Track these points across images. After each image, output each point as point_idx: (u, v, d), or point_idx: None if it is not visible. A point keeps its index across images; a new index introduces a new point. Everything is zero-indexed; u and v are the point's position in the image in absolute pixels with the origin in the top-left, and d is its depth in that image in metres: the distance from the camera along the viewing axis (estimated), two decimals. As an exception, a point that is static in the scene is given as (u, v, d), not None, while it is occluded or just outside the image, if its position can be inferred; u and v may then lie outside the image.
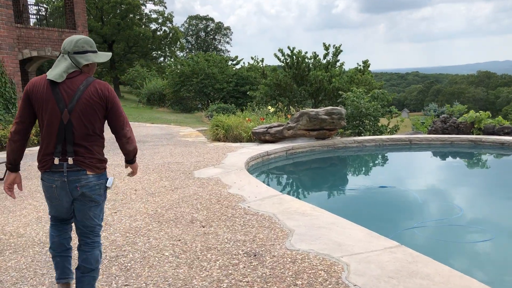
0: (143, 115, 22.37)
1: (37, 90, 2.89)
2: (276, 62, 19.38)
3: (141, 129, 16.01)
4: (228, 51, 63.14)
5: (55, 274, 3.32)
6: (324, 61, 18.69)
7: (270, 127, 10.35)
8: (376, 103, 11.82)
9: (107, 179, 3.12)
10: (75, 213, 3.08)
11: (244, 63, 29.21)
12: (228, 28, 64.48)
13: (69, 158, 2.90)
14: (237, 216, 5.26)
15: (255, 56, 19.94)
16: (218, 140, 12.03)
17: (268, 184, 6.68)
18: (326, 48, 19.16)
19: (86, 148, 2.94)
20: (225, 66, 27.11)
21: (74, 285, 3.20)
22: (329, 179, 8.79)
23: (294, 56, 18.43)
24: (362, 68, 18.81)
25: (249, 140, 11.17)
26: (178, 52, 49.50)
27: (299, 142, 10.16)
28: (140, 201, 6.08)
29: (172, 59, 30.14)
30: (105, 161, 3.09)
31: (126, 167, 3.52)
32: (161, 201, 6.05)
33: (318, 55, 18.99)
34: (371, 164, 10.24)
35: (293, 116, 10.32)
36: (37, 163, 3.06)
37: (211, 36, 64.21)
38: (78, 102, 2.85)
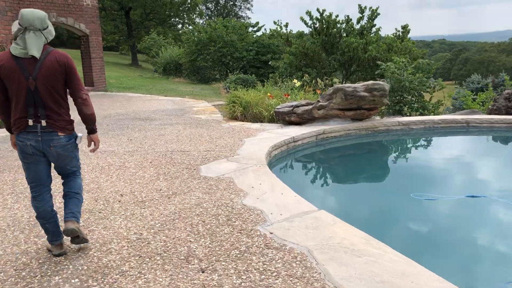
0: (156, 87, 20.67)
1: (5, 66, 3.20)
2: (302, 27, 17.25)
3: (151, 103, 14.34)
4: (249, 18, 60.58)
5: (46, 237, 3.63)
6: (358, 26, 16.39)
7: (297, 106, 8.57)
8: (421, 75, 9.85)
9: (77, 136, 3.51)
10: (54, 166, 3.55)
11: (265, 29, 27.11)
12: (249, -7, 61.68)
13: (42, 120, 3.25)
14: (253, 251, 3.54)
15: (278, 21, 17.71)
16: (235, 118, 10.28)
17: (297, 190, 4.88)
18: (362, 10, 16.71)
19: (55, 112, 3.30)
20: (245, 33, 25.01)
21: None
22: (378, 178, 6.65)
23: (323, 20, 16.06)
24: (401, 34, 16.49)
25: (271, 120, 9.39)
26: (197, 19, 47.31)
27: (332, 124, 8.38)
28: (123, 216, 4.42)
29: (189, 26, 28.10)
30: (72, 121, 3.45)
31: (88, 144, 3.70)
32: (151, 216, 4.37)
33: (351, 19, 16.58)
34: (431, 156, 7.72)
35: (325, 93, 8.45)
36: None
37: (231, 2, 61.57)
38: (41, 71, 3.21)
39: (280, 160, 6.95)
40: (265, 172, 5.52)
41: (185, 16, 44.91)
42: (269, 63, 16.54)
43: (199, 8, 47.10)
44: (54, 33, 3.37)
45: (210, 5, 61.24)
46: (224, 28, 24.56)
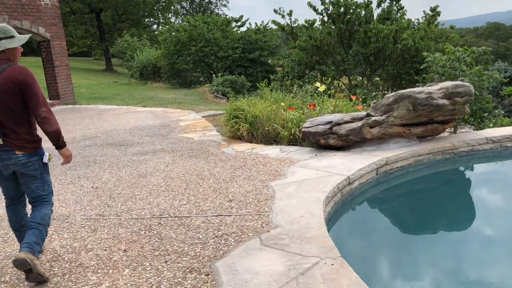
0: (133, 95, 17.75)
1: None
2: (305, 17, 14.34)
3: (128, 118, 11.51)
4: (226, 15, 57.63)
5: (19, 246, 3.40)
6: (379, 11, 13.60)
7: (338, 124, 5.82)
8: (480, 68, 7.24)
9: (43, 155, 3.27)
10: (21, 186, 3.38)
11: (250, 24, 24.34)
12: (224, -10, 58.72)
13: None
14: None
15: (279, 9, 14.47)
16: (240, 138, 7.59)
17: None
18: None
19: (12, 130, 3.08)
20: (228, 29, 22.20)
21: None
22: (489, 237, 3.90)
23: (340, 4, 12.55)
24: (430, 17, 13.51)
25: (291, 140, 6.71)
26: (172, 19, 44.22)
27: (392, 148, 5.72)
28: None
29: (166, 26, 25.11)
30: (36, 140, 3.20)
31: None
32: None
33: (371, 2, 13.12)
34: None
35: (380, 102, 5.70)
36: None
37: (207, 0, 58.50)
38: None
39: (335, 220, 4.20)
40: (347, 275, 2.80)
41: (160, 15, 41.83)
42: (269, 61, 13.66)
43: (174, 6, 44.02)
44: (4, 45, 3.07)
45: (185, 4, 58.10)
46: (205, 24, 21.71)
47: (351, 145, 5.79)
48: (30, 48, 40.36)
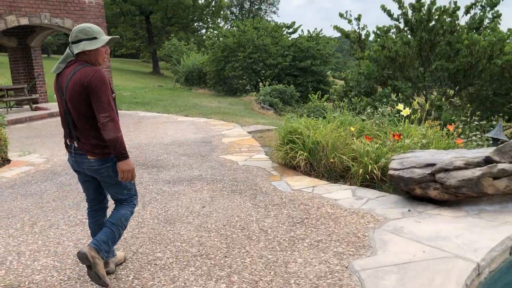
0: (177, 101, 16.54)
1: (54, 82, 3.05)
2: (375, 23, 12.51)
3: (167, 129, 10.21)
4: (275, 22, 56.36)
5: None
6: (466, 18, 11.28)
7: (445, 170, 4.04)
8: None
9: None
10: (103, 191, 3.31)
11: (302, 31, 22.80)
12: (274, -4, 57.40)
13: (74, 141, 3.01)
14: None
15: (346, 13, 12.55)
16: (294, 168, 6.05)
17: None
18: None
19: (84, 134, 2.97)
20: (279, 36, 20.71)
21: (111, 263, 3.24)
22: None
23: (423, 8, 10.45)
24: None
25: (366, 180, 5.06)
26: (221, 23, 43.27)
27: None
28: None
29: (214, 31, 23.93)
30: (106, 146, 2.96)
31: None
32: None
33: (458, 7, 10.60)
34: None
35: (509, 143, 4.00)
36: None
37: (257, 6, 57.38)
38: (67, 91, 2.91)
39: None
40: None
41: (209, 20, 40.92)
42: (328, 73, 11.93)
43: (223, 11, 43.07)
44: (82, 47, 2.90)
45: (234, 10, 57.24)
46: (254, 30, 20.33)
47: (460, 200, 4.12)
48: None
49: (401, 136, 5.01)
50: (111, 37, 3.06)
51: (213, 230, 4.04)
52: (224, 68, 19.92)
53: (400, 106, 5.66)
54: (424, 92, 10.30)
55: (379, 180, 4.94)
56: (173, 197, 5.16)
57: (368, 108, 6.25)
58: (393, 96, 9.73)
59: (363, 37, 12.25)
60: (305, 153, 5.80)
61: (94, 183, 3.20)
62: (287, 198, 4.80)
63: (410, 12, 11.07)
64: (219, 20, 42.90)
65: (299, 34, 21.43)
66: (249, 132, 9.65)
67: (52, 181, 6.16)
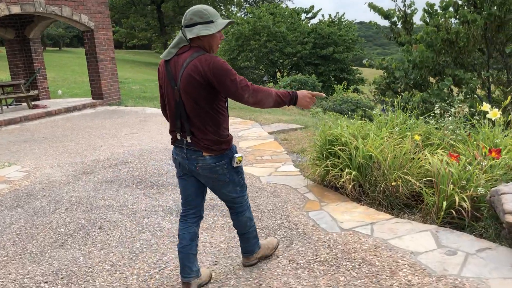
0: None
1: (160, 70, 2.71)
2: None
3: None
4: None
5: None
6: None
7: None
8: None
9: (232, 157, 2.70)
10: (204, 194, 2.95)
11: (322, 15, 20.90)
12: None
13: (187, 136, 2.64)
14: None
15: None
16: (336, 188, 4.50)
17: None
18: None
19: (199, 128, 2.61)
20: (297, 22, 18.94)
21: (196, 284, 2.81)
22: None
23: None
24: None
25: (447, 215, 3.48)
26: (234, 11, 41.44)
27: None
28: None
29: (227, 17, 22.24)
30: (224, 141, 2.66)
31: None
32: None
33: None
34: None
35: None
36: None
37: (271, -7, 55.21)
38: (182, 80, 2.55)
39: None
40: None
41: (222, 8, 39.16)
42: (364, 61, 10.19)
43: (237, -1, 41.26)
44: (197, 32, 2.52)
45: (248, -3, 55.19)
46: (270, 16, 18.60)
47: None
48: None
49: (501, 154, 3.38)
50: (228, 20, 2.65)
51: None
52: (237, 58, 18.29)
53: (486, 107, 4.02)
54: (495, 83, 8.38)
55: (470, 216, 3.34)
56: (174, 240, 3.65)
57: (437, 109, 4.67)
58: (455, 89, 7.96)
59: (409, 17, 10.23)
60: (354, 172, 4.22)
61: (195, 182, 2.82)
62: (339, 249, 3.24)
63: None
64: (232, 8, 41.08)
65: (319, 19, 19.62)
66: (271, 133, 8.10)
67: (23, 208, 4.71)
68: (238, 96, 2.52)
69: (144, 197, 4.83)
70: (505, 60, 8.20)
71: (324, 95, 2.86)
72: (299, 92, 2.69)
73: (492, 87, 8.37)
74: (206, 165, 2.67)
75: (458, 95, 6.63)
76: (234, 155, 2.74)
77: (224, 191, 2.81)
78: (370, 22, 10.95)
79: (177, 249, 3.07)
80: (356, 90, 15.85)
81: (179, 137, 2.71)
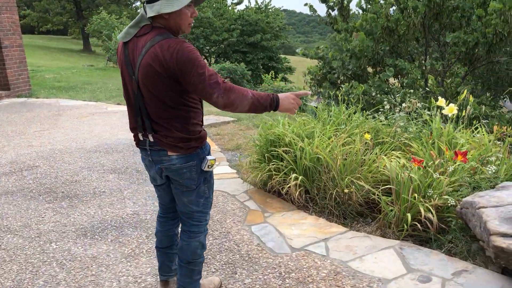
0: (108, 84, 13.88)
1: (118, 54, 2.19)
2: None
3: (93, 125, 7.75)
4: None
5: None
6: None
7: None
8: None
9: (203, 159, 2.23)
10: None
11: (249, 1, 20.25)
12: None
13: (149, 134, 2.18)
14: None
15: None
16: (278, 193, 3.97)
17: None
18: None
19: (162, 125, 2.15)
20: (223, 7, 18.20)
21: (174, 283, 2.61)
22: None
23: None
24: None
25: (406, 233, 3.05)
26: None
27: None
28: None
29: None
30: (193, 138, 2.16)
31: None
32: None
33: None
34: None
35: None
36: None
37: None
38: (140, 70, 2.05)
39: None
40: None
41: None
42: (298, 50, 9.60)
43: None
44: (158, 10, 1.97)
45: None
46: (195, 1, 17.70)
47: None
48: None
49: (467, 156, 2.99)
50: None
51: None
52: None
53: (442, 101, 3.65)
54: (435, 74, 8.16)
55: (436, 229, 2.93)
56: (88, 273, 2.91)
57: (386, 104, 4.28)
58: (391, 80, 7.62)
59: (346, 4, 9.77)
60: (300, 176, 3.70)
61: (168, 190, 2.41)
62: (292, 278, 2.68)
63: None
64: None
65: (245, 5, 18.99)
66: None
67: None
68: (205, 94, 2.03)
69: (52, 213, 3.99)
70: (441, 49, 8.13)
71: (310, 93, 2.34)
72: (280, 94, 2.20)
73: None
74: (171, 166, 2.20)
75: (402, 87, 6.38)
76: (206, 156, 2.26)
77: (185, 199, 2.32)
78: (306, 4, 10.41)
79: (154, 246, 2.85)
80: (284, 79, 15.51)
81: (141, 137, 2.24)
